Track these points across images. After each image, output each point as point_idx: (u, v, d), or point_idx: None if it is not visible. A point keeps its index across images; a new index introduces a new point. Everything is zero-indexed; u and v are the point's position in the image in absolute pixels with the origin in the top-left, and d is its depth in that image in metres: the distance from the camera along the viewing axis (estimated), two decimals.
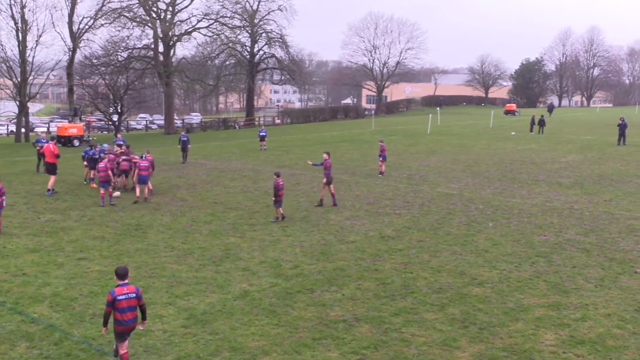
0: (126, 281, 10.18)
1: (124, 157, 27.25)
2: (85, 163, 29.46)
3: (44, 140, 30.92)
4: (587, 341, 11.54)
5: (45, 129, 68.14)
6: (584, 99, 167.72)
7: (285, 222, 21.18)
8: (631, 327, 12.18)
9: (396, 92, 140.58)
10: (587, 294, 14.11)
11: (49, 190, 26.18)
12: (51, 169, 26.86)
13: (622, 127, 46.86)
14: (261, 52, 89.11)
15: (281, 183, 21.44)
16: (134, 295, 10.06)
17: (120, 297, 9.96)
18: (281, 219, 21.44)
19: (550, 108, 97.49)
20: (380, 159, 31.75)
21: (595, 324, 12.34)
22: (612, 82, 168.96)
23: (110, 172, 24.30)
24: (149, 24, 70.65)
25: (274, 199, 21.56)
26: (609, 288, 14.49)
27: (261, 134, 46.69)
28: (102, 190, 23.99)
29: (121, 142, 34.17)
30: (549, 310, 13.06)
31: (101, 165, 24.09)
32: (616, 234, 19.58)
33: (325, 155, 24.17)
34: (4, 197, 19.62)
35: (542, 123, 58.21)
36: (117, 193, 25.89)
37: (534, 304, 13.48)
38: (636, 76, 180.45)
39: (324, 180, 23.97)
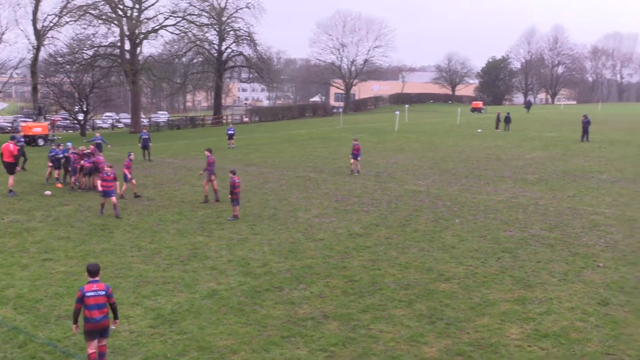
0: (97, 278, 10.06)
1: (89, 158, 27.09)
2: (50, 163, 29.15)
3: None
4: (552, 334, 11.73)
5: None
6: (548, 96, 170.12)
7: (253, 220, 21.14)
8: (594, 320, 12.41)
9: (364, 90, 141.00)
10: (551, 288, 14.34)
11: (10, 191, 25.82)
12: (10, 168, 26.46)
13: (586, 124, 47.72)
14: (229, 50, 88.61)
15: (237, 181, 21.46)
16: (103, 292, 9.93)
17: (89, 294, 9.84)
18: (235, 219, 21.44)
19: (528, 105, 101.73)
20: (353, 157, 31.23)
21: (559, 318, 12.54)
22: (575, 79, 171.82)
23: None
24: (115, 22, 69.83)
25: (230, 196, 21.64)
26: (573, 282, 14.74)
27: (229, 132, 46.52)
28: (103, 200, 22.10)
29: (99, 141, 33.98)
30: (514, 305, 13.25)
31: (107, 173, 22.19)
32: (579, 229, 19.92)
33: (207, 153, 24.84)
34: None
35: (507, 120, 59.14)
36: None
37: (499, 298, 13.65)
38: (599, 74, 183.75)
39: (208, 176, 24.42)
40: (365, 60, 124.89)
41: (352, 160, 31.62)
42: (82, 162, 27.22)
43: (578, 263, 16.24)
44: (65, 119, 79.90)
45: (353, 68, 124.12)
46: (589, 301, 13.47)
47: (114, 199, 21.89)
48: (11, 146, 26.69)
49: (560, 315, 12.69)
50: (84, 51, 71.17)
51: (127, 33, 70.34)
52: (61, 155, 28.94)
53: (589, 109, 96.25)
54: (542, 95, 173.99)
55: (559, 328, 12.03)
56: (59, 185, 27.80)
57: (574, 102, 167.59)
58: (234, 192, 21.31)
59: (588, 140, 47.09)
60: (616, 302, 13.39)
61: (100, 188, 22.26)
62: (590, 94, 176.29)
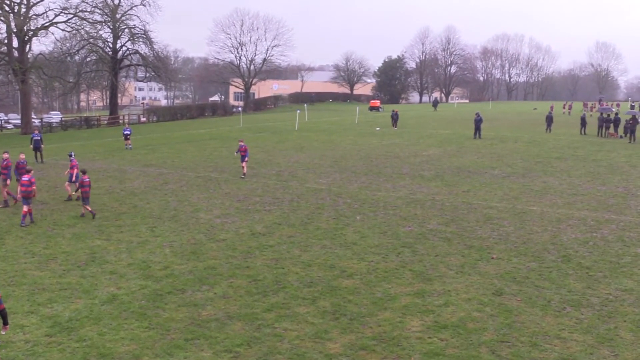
0: None
1: None
2: None
3: None
4: (450, 325, 12.15)
5: None
6: (442, 95, 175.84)
7: (153, 222, 20.72)
8: (489, 310, 12.95)
9: (264, 89, 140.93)
10: (449, 280, 14.84)
11: None
12: None
13: (478, 121, 49.63)
14: (124, 49, 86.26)
15: (87, 180, 21.76)
16: None
17: None
18: (92, 218, 21.38)
19: (435, 103, 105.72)
20: (241, 159, 30.29)
21: (457, 309, 13.01)
22: (468, 79, 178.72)
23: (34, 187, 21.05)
24: (2, 18, 66.51)
25: (83, 196, 21.65)
26: (469, 274, 15.32)
27: (125, 132, 45.35)
28: (24, 208, 20.55)
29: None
30: (415, 298, 13.62)
31: (25, 178, 20.82)
32: (474, 222, 20.71)
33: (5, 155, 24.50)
34: None
35: (395, 117, 61.11)
36: None
37: (400, 292, 14.00)
38: (489, 73, 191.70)
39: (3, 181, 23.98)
40: (264, 60, 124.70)
41: (242, 164, 30.38)
42: None
43: (473, 255, 16.88)
44: None
45: (252, 67, 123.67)
46: (485, 292, 14.04)
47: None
48: None
49: (458, 306, 13.16)
50: None
51: (15, 30, 67.11)
52: None
53: (480, 107, 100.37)
54: (436, 94, 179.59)
55: (457, 319, 12.47)
56: None
57: (467, 101, 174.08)
58: (83, 191, 21.45)
59: (480, 137, 49.01)
60: (509, 292, 14.02)
61: (19, 195, 21.02)
62: (481, 93, 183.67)
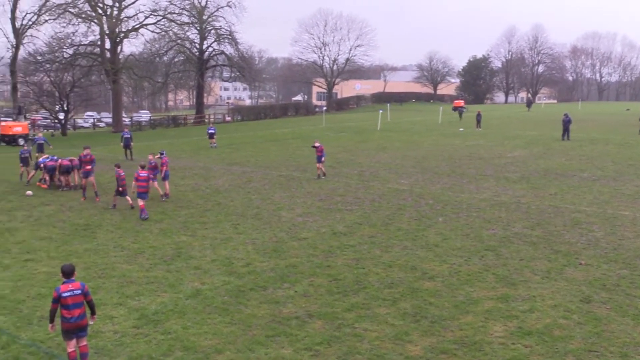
0: (72, 278, 10.04)
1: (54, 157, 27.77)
2: (20, 164, 29.27)
3: None
4: (535, 332, 11.82)
5: None
6: (529, 95, 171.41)
7: (237, 219, 21.09)
8: (577, 318, 12.52)
9: (346, 89, 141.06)
10: (534, 285, 14.44)
11: None
12: None
13: (566, 122, 48.07)
14: (210, 49, 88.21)
15: (122, 174, 22.72)
16: (79, 291, 9.93)
17: (66, 294, 9.83)
18: (131, 208, 22.40)
19: (529, 103, 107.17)
20: (317, 160, 29.67)
21: (542, 315, 12.64)
22: (556, 78, 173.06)
23: (148, 182, 22.12)
24: (95, 21, 69.28)
25: (120, 189, 22.44)
26: (555, 280, 14.86)
27: (210, 131, 46.40)
28: (141, 202, 21.50)
29: (41, 141, 34.26)
30: (498, 303, 13.32)
31: (142, 174, 21.76)
32: (561, 226, 20.07)
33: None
34: None
35: (478, 118, 60.20)
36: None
37: (483, 296, 13.73)
38: (579, 73, 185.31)
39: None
40: (347, 59, 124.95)
41: (317, 164, 29.88)
42: (60, 160, 27.36)
43: (560, 261, 16.36)
44: (46, 118, 79.23)
45: (335, 67, 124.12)
46: (572, 299, 13.58)
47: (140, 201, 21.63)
48: None
49: (543, 312, 12.78)
50: (63, 50, 70.54)
51: (107, 32, 69.74)
52: (27, 155, 29.14)
53: (569, 107, 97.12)
54: (522, 94, 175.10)
55: (542, 325, 12.11)
56: (44, 185, 27.60)
57: (554, 101, 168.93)
58: (120, 184, 22.19)
59: (569, 139, 47.46)
60: (598, 300, 13.51)
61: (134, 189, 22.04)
62: (570, 93, 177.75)
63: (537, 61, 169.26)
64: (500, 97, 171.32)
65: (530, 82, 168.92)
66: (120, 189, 22.78)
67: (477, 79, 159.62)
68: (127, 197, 22.83)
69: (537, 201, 24.18)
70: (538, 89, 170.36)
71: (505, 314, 12.72)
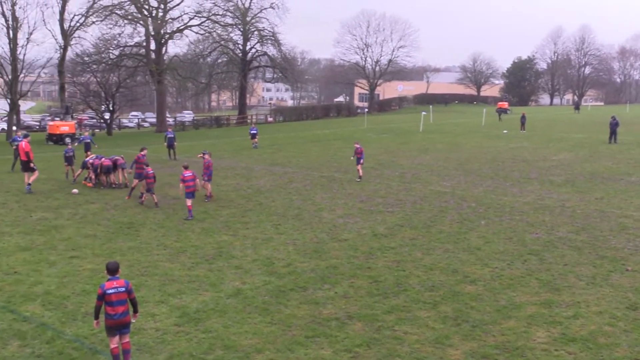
0: (116, 276, 10.20)
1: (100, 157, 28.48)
2: (65, 162, 29.88)
3: (19, 139, 30.58)
4: (579, 339, 11.59)
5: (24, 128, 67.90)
6: (575, 97, 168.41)
7: (278, 220, 21.18)
8: (622, 325, 12.24)
9: (388, 90, 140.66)
10: (578, 291, 14.16)
11: (28, 184, 26.36)
12: (25, 166, 26.87)
13: (614, 125, 47.07)
14: (253, 50, 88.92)
15: (151, 172, 23.31)
16: (123, 289, 10.08)
17: (110, 291, 9.98)
18: (155, 206, 22.95)
19: (577, 105, 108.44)
20: (356, 161, 29.51)
21: (587, 322, 12.39)
22: (603, 80, 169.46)
23: (194, 181, 22.05)
24: (141, 22, 70.47)
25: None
26: (601, 286, 14.55)
27: (252, 132, 46.73)
28: (189, 202, 21.62)
29: (87, 140, 35.04)
30: (541, 308, 13.10)
31: (187, 174, 21.75)
32: (607, 231, 19.65)
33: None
34: None
35: (523, 120, 59.55)
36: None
37: (526, 301, 13.52)
38: (627, 75, 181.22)
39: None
40: (390, 61, 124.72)
41: (357, 166, 29.54)
42: (102, 160, 27.90)
43: (606, 266, 16.02)
44: (92, 118, 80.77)
45: (377, 68, 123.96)
46: (618, 305, 13.28)
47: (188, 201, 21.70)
48: (23, 144, 27.15)
49: (588, 319, 12.53)
50: (110, 51, 71.99)
51: (153, 33, 70.92)
52: (71, 153, 29.69)
53: (617, 110, 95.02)
54: (568, 96, 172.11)
55: (586, 332, 11.87)
56: (89, 184, 28.10)
57: (601, 104, 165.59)
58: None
59: (616, 142, 46.46)
60: None
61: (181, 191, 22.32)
62: (618, 95, 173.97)
63: (583, 62, 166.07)
64: (545, 99, 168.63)
65: (577, 84, 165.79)
66: (149, 186, 23.39)
67: (522, 81, 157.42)
68: (154, 195, 23.45)
69: (582, 205, 23.73)
70: (584, 90, 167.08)
71: (548, 319, 12.51)
